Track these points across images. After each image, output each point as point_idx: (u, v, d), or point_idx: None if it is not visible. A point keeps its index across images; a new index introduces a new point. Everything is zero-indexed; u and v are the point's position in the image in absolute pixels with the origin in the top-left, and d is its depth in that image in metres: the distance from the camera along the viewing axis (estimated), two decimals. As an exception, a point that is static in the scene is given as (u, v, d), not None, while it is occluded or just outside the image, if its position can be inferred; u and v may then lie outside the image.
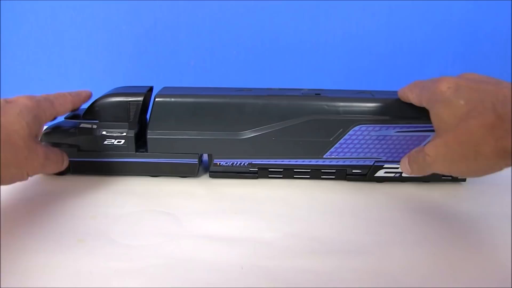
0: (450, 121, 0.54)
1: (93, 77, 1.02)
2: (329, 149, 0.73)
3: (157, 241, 0.59)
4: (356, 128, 0.72)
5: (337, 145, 0.73)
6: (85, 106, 0.75)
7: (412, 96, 0.65)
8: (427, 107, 0.60)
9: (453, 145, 0.54)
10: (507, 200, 0.70)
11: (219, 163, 0.76)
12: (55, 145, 0.75)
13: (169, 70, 1.01)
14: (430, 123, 0.70)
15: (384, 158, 0.73)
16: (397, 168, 0.74)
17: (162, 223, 0.64)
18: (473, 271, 0.53)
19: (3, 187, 0.70)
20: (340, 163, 0.74)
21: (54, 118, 0.69)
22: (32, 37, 1.00)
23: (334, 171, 0.76)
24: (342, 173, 0.76)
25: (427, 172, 0.59)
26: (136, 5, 0.98)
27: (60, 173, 0.77)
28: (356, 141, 0.73)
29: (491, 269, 0.54)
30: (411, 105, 0.69)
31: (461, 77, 0.57)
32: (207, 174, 0.78)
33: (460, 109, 0.53)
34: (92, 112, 0.74)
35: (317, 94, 0.74)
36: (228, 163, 0.76)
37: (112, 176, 0.77)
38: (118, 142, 0.74)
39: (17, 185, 0.72)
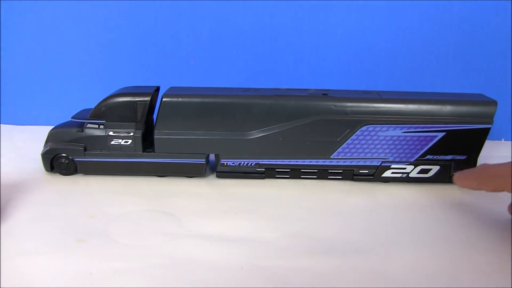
0: None
1: (93, 77, 1.02)
2: (336, 149, 0.73)
3: (157, 241, 0.59)
4: (364, 128, 0.72)
5: (344, 145, 0.73)
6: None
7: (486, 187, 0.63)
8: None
9: None
10: (508, 201, 0.71)
11: (226, 163, 0.76)
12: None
13: (169, 70, 1.01)
14: (438, 123, 0.71)
15: (391, 159, 0.74)
16: (404, 168, 0.74)
17: (163, 223, 0.64)
18: (473, 271, 0.54)
19: (3, 187, 0.70)
20: (347, 163, 0.75)
21: None
22: (32, 37, 1.00)
23: (341, 171, 0.76)
24: (349, 174, 0.76)
25: None
26: (136, 5, 0.98)
27: (66, 173, 0.76)
28: (363, 142, 0.73)
29: (491, 269, 0.54)
30: (417, 105, 0.70)
31: None
32: (214, 174, 0.78)
33: None
34: (99, 112, 0.74)
35: (324, 94, 0.74)
36: (235, 163, 0.76)
37: (118, 176, 0.76)
38: (125, 142, 0.74)
39: (17, 185, 0.72)
